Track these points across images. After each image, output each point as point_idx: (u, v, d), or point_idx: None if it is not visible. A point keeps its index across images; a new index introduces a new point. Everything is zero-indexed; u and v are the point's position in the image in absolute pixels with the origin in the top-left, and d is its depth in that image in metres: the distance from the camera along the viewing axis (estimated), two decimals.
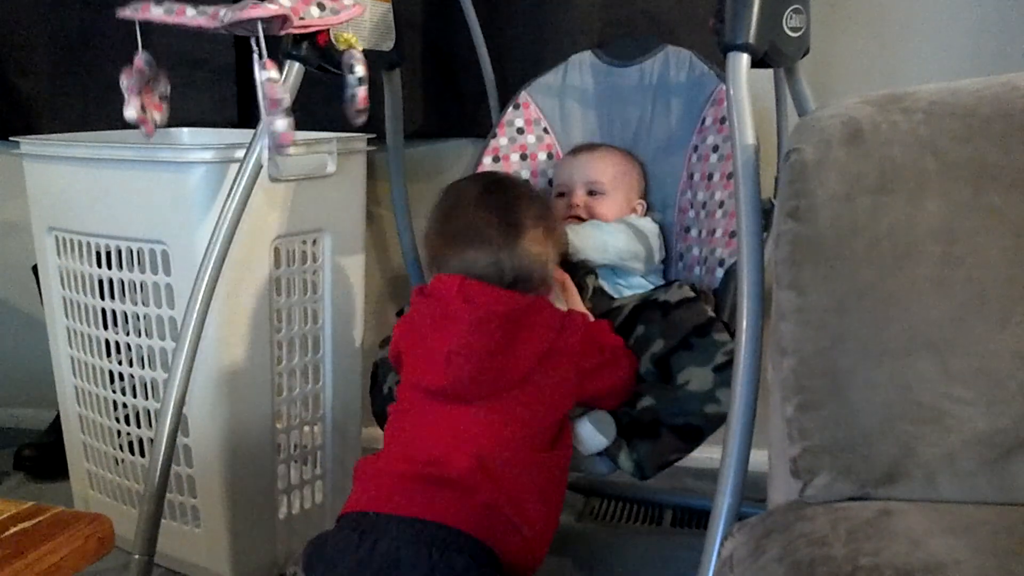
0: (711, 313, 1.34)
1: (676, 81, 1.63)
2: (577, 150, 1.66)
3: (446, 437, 1.20)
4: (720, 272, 1.42)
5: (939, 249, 0.87)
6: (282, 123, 1.24)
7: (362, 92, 1.40)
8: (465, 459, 1.16)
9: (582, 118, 1.71)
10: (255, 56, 1.23)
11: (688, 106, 1.60)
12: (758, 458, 1.06)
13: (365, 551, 1.12)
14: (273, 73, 1.22)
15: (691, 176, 1.56)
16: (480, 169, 1.66)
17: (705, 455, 1.31)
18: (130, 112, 1.37)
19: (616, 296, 1.48)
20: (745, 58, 1.17)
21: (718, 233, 1.45)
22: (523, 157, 1.69)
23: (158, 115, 1.40)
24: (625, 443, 1.30)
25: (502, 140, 1.69)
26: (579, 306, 1.41)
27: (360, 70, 1.40)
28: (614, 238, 1.51)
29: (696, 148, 1.56)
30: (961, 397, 0.85)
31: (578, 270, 1.47)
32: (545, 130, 1.71)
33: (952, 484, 0.86)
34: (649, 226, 1.56)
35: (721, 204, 1.47)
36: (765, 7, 1.18)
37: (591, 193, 1.58)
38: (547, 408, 1.24)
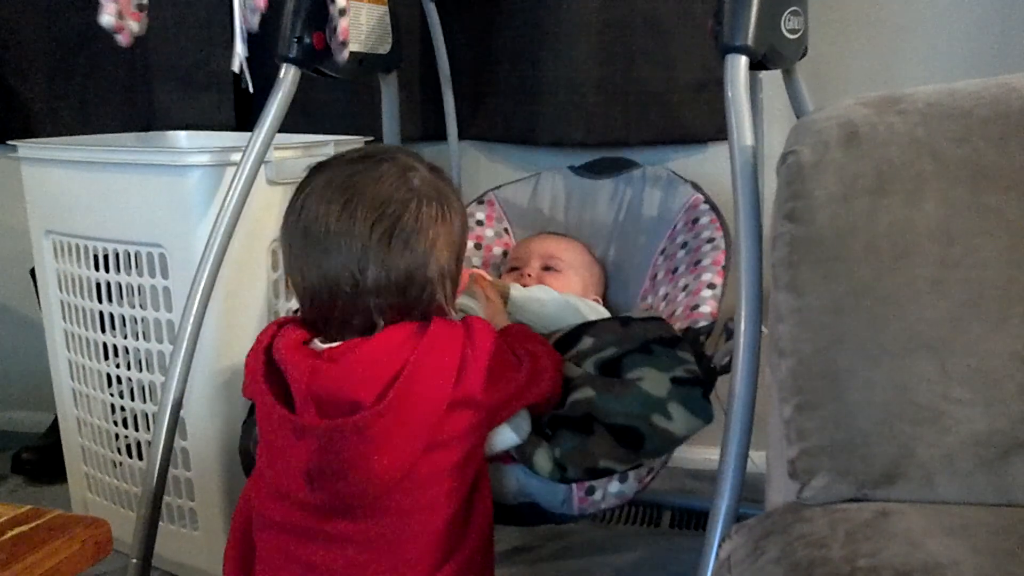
0: (678, 334, 1.22)
1: (651, 192, 1.63)
2: (540, 232, 1.63)
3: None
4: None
5: (936, 250, 0.87)
6: None
7: (344, 23, 1.38)
8: None
9: (549, 221, 1.70)
10: None
11: (661, 214, 1.60)
12: (756, 459, 1.06)
13: None
14: None
15: (654, 277, 1.54)
16: None
17: (703, 456, 1.30)
18: (106, 18, 1.29)
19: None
20: (744, 60, 1.17)
21: (678, 312, 1.37)
22: (477, 246, 1.68)
23: (136, 24, 1.32)
24: (544, 441, 1.07)
25: None
26: (500, 320, 1.25)
27: (341, 2, 1.38)
28: (559, 304, 1.36)
29: (664, 250, 1.56)
30: (959, 398, 0.85)
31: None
32: (506, 230, 1.71)
33: (950, 485, 0.86)
34: (602, 310, 1.44)
35: (685, 288, 1.41)
36: (763, 9, 1.18)
37: (546, 268, 1.52)
38: (457, 475, 1.00)
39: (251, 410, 1.27)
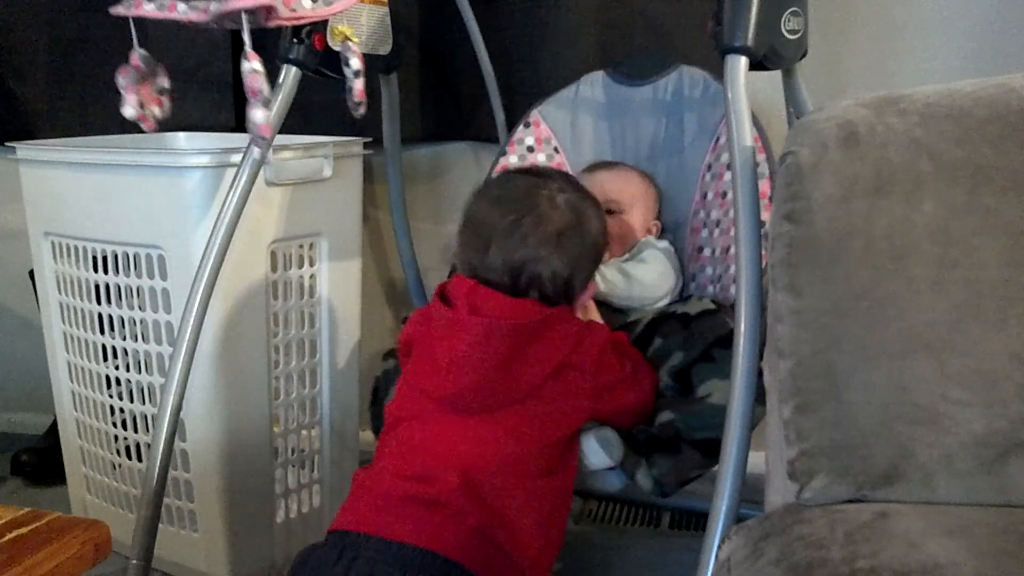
0: (732, 325, 1.27)
1: (690, 100, 1.61)
2: (594, 167, 1.63)
3: (439, 452, 1.15)
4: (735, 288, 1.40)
5: (935, 251, 0.87)
6: (260, 114, 1.23)
7: (359, 85, 1.41)
8: (456, 478, 1.12)
9: (594, 137, 1.69)
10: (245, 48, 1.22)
11: (702, 125, 1.59)
12: (756, 460, 1.06)
13: (340, 570, 1.08)
14: (256, 64, 1.22)
15: (704, 195, 1.55)
16: None
17: None
18: (128, 110, 1.35)
19: (626, 313, 1.44)
20: (743, 61, 1.17)
21: (733, 250, 1.39)
22: None
23: (158, 110, 1.38)
24: (644, 460, 1.24)
25: (512, 158, 1.67)
26: (596, 319, 1.37)
27: (356, 63, 1.39)
28: (644, 288, 1.46)
29: (710, 167, 1.55)
30: (958, 398, 0.85)
31: None
32: (556, 149, 1.69)
33: (949, 486, 0.86)
34: (672, 259, 1.52)
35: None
36: (763, 9, 1.18)
37: (609, 212, 1.52)
38: (554, 424, 1.18)
39: (375, 394, 1.45)
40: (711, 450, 1.21)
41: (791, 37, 1.26)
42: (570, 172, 1.66)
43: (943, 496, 0.86)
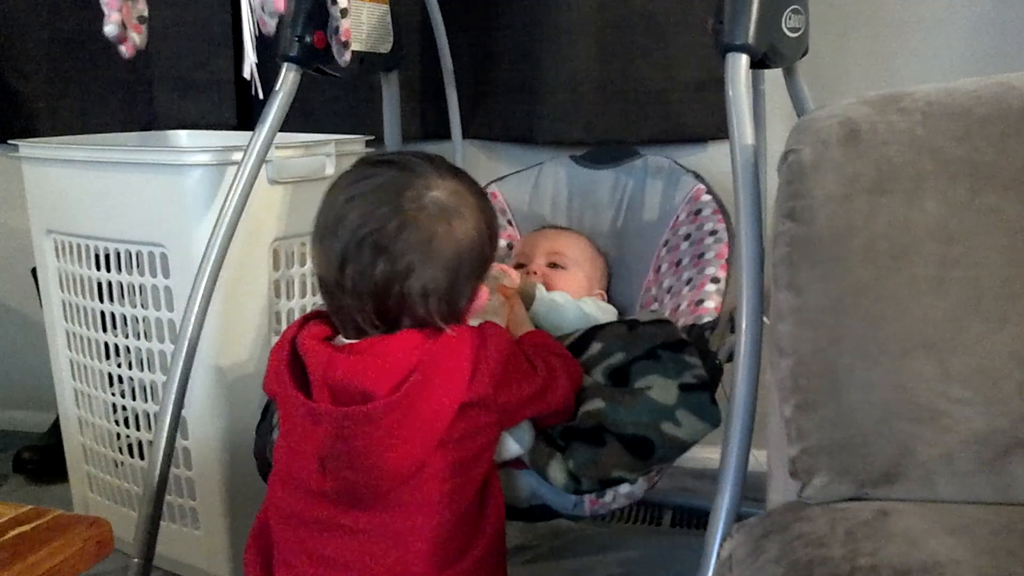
0: (684, 337, 1.21)
1: (653, 183, 1.62)
2: (543, 227, 1.63)
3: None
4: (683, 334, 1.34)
5: (936, 249, 0.87)
6: None
7: (345, 24, 1.38)
8: None
9: (551, 213, 1.69)
10: None
11: (664, 205, 1.59)
12: (757, 458, 1.06)
13: None
14: None
15: (658, 269, 1.54)
16: None
17: (705, 455, 1.30)
18: (110, 28, 1.28)
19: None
20: (744, 59, 1.17)
21: (682, 307, 1.37)
22: None
23: (137, 36, 1.33)
24: (558, 452, 1.09)
25: None
26: (525, 327, 1.26)
27: (342, 1, 1.37)
28: (584, 317, 1.36)
29: (667, 242, 1.55)
30: (958, 397, 0.85)
31: None
32: (509, 222, 1.70)
33: (950, 484, 0.86)
34: (611, 311, 1.47)
35: (689, 281, 1.41)
36: (764, 8, 1.18)
37: (552, 265, 1.51)
38: (467, 475, 1.02)
39: (264, 412, 1.29)
40: (639, 450, 1.09)
41: (792, 35, 1.26)
42: None
43: (944, 494, 0.86)
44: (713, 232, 1.45)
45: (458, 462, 1.01)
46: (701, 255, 1.43)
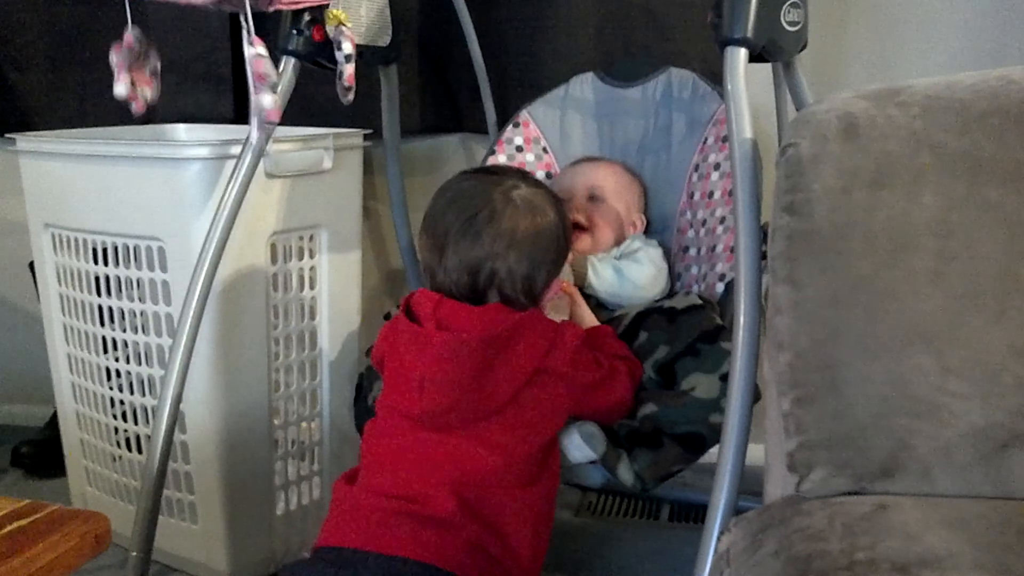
0: (719, 321, 1.31)
1: (679, 101, 1.62)
2: (579, 161, 1.65)
3: (426, 470, 1.14)
4: (720, 286, 1.41)
5: (935, 243, 0.87)
6: (268, 99, 1.23)
7: (349, 69, 1.39)
8: (447, 496, 1.11)
9: (583, 137, 1.70)
10: (244, 33, 1.22)
11: (691, 125, 1.59)
12: (755, 452, 1.06)
13: None
14: (260, 49, 1.22)
15: (691, 196, 1.56)
16: None
17: None
18: (120, 89, 1.33)
19: (613, 308, 1.45)
20: (743, 52, 1.17)
21: (718, 249, 1.43)
22: None
23: (149, 91, 1.37)
24: (625, 453, 1.23)
25: (500, 157, 1.67)
26: (588, 319, 1.38)
27: (348, 47, 1.38)
28: (636, 288, 1.46)
29: (697, 167, 1.56)
30: (957, 391, 0.85)
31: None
32: (544, 149, 1.70)
33: (948, 478, 0.86)
34: (664, 262, 1.52)
35: (722, 220, 1.45)
36: (763, 1, 1.18)
37: (592, 198, 1.56)
38: (534, 432, 1.18)
39: (358, 391, 1.48)
40: (693, 444, 1.23)
41: (791, 29, 1.26)
42: (558, 172, 1.67)
43: (942, 488, 0.86)
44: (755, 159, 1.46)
45: (533, 413, 1.17)
46: (732, 192, 1.43)
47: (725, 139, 1.49)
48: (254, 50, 1.21)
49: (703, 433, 1.23)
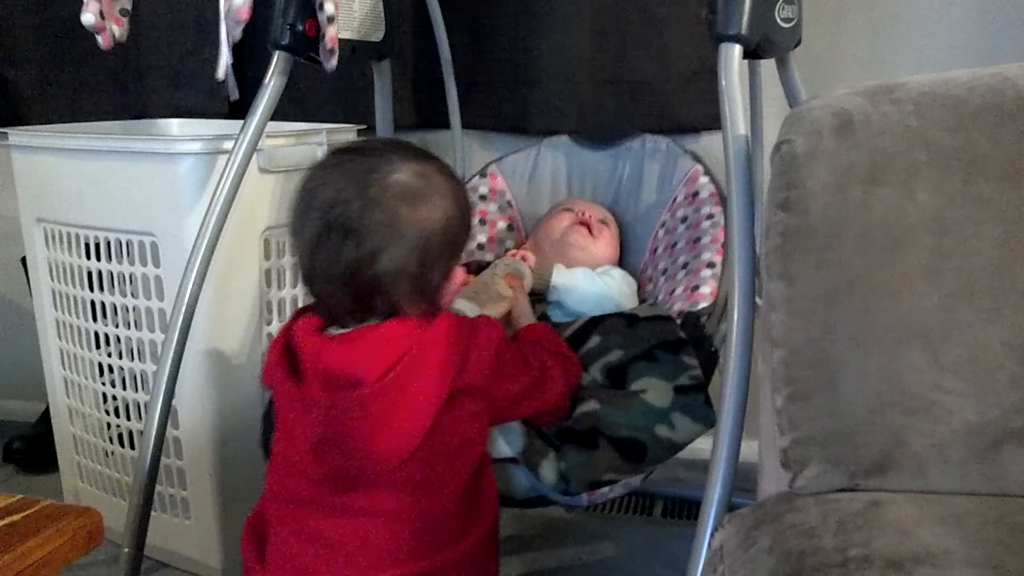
0: (683, 336, 1.22)
1: (650, 164, 1.64)
2: (567, 200, 1.66)
3: (340, 562, 1.01)
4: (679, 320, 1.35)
5: (929, 240, 0.87)
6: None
7: (331, 31, 1.37)
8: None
9: (551, 194, 1.72)
10: None
11: (661, 186, 1.61)
12: (749, 449, 1.06)
13: None
14: None
15: (655, 251, 1.56)
16: None
17: (696, 445, 1.30)
18: (87, 17, 1.28)
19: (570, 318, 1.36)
20: (738, 49, 1.17)
21: (678, 291, 1.40)
22: (481, 222, 1.69)
23: (117, 29, 1.32)
24: (553, 452, 1.09)
25: None
26: (527, 317, 1.27)
27: (329, 8, 1.36)
28: (603, 297, 1.40)
29: (664, 224, 1.57)
30: (951, 387, 0.85)
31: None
32: (508, 203, 1.71)
33: (942, 475, 0.86)
34: (633, 286, 1.51)
35: (685, 266, 1.44)
36: None
37: (603, 222, 1.58)
38: (457, 463, 1.03)
39: (269, 404, 1.27)
40: (632, 453, 1.10)
41: (785, 25, 1.25)
42: (521, 226, 1.67)
43: (936, 485, 0.86)
44: (710, 216, 1.46)
45: (449, 447, 1.01)
46: (697, 239, 1.44)
47: (695, 195, 1.52)
48: None
49: (645, 442, 1.10)
